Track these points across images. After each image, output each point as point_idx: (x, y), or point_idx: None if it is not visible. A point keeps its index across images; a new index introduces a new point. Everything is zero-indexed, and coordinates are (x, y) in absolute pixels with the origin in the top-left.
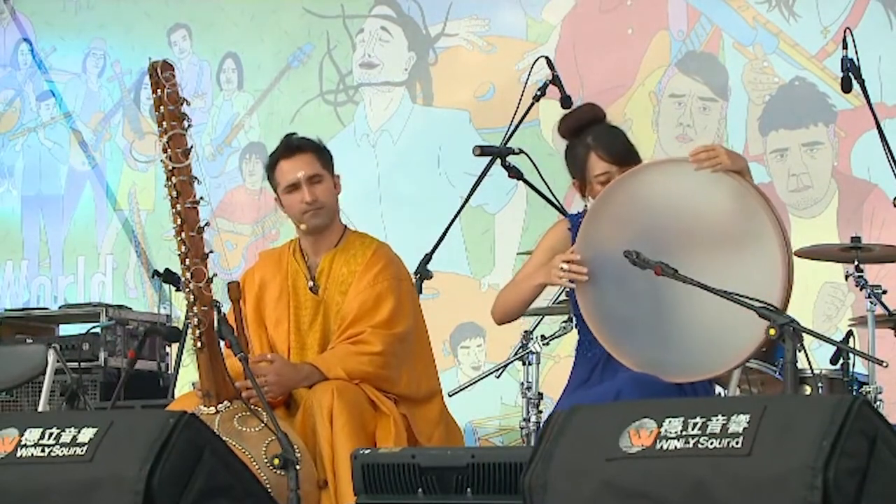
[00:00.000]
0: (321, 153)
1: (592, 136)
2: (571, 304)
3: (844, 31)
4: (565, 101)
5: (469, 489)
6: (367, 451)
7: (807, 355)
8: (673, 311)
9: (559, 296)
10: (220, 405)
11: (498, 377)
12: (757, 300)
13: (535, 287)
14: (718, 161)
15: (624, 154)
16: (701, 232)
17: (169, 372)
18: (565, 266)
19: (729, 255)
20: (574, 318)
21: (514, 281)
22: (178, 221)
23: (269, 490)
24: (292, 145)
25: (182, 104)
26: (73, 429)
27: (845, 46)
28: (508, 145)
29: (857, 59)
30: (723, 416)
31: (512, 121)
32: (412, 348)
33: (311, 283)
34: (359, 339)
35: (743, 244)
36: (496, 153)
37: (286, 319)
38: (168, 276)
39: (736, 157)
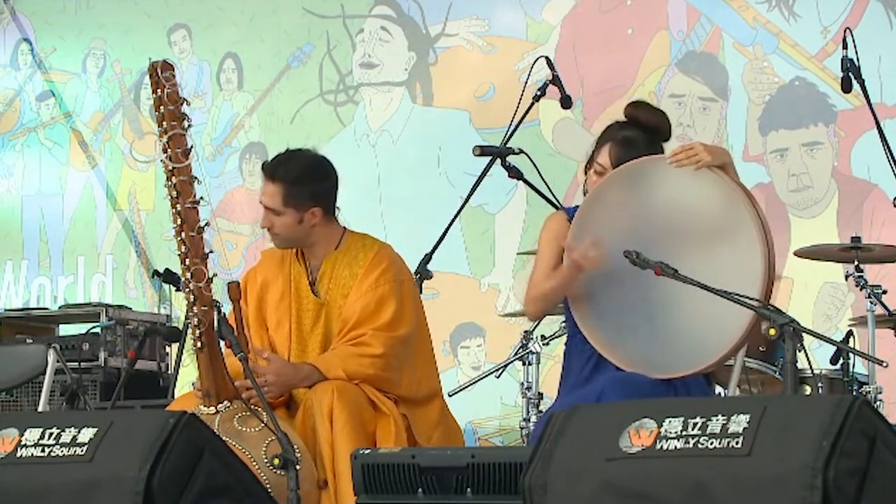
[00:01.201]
0: (295, 187)
1: (624, 138)
2: (564, 304)
3: (844, 31)
4: (565, 101)
5: (469, 489)
6: (367, 451)
7: (807, 355)
8: (659, 308)
9: None
10: (220, 405)
11: (498, 377)
12: (757, 300)
13: (568, 278)
14: (698, 159)
15: None
16: (684, 227)
17: (169, 372)
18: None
19: (711, 249)
20: (565, 315)
21: (536, 283)
22: (178, 221)
23: (269, 490)
24: (268, 170)
25: (182, 104)
26: (73, 429)
27: (845, 46)
28: (508, 145)
29: (857, 59)
30: (723, 416)
31: (512, 121)
32: (413, 350)
33: (312, 288)
34: (360, 341)
35: (724, 238)
36: (496, 153)
37: (287, 321)
38: (168, 276)
39: (717, 151)
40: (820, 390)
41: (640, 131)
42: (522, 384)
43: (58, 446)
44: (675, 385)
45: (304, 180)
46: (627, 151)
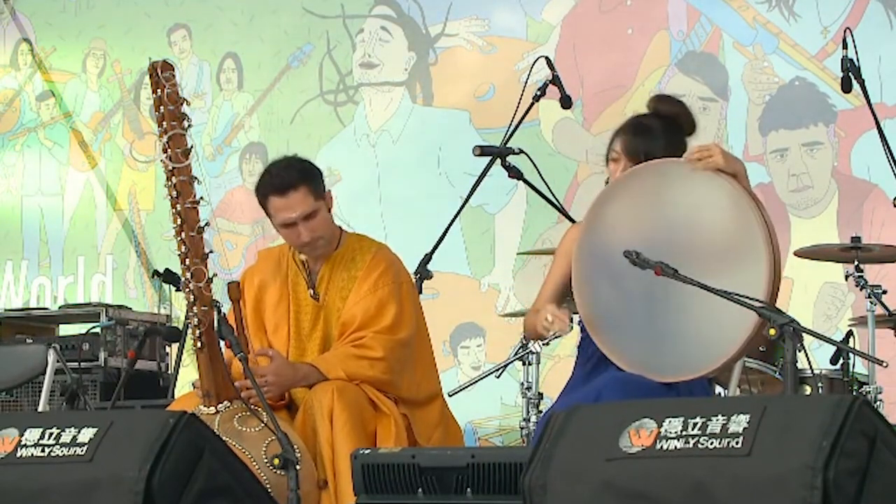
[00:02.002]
0: (312, 182)
1: (638, 123)
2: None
3: (844, 32)
4: (565, 101)
5: (469, 489)
6: (367, 451)
7: (807, 355)
8: (663, 310)
9: None
10: (220, 405)
11: (498, 377)
12: (756, 300)
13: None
14: (714, 161)
15: (633, 155)
16: (690, 232)
17: (169, 372)
18: (549, 318)
19: (716, 256)
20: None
21: (540, 302)
22: (178, 221)
23: (269, 490)
24: (283, 184)
25: (182, 104)
26: (73, 429)
27: (845, 46)
28: (508, 145)
29: (857, 59)
30: (723, 416)
31: (512, 121)
32: (413, 352)
33: (311, 291)
34: (361, 344)
35: (730, 246)
36: (496, 153)
37: (286, 324)
38: (168, 276)
39: (732, 159)
40: (820, 390)
41: (658, 120)
42: (522, 384)
43: (58, 446)
44: (676, 386)
45: (314, 171)
46: (638, 137)
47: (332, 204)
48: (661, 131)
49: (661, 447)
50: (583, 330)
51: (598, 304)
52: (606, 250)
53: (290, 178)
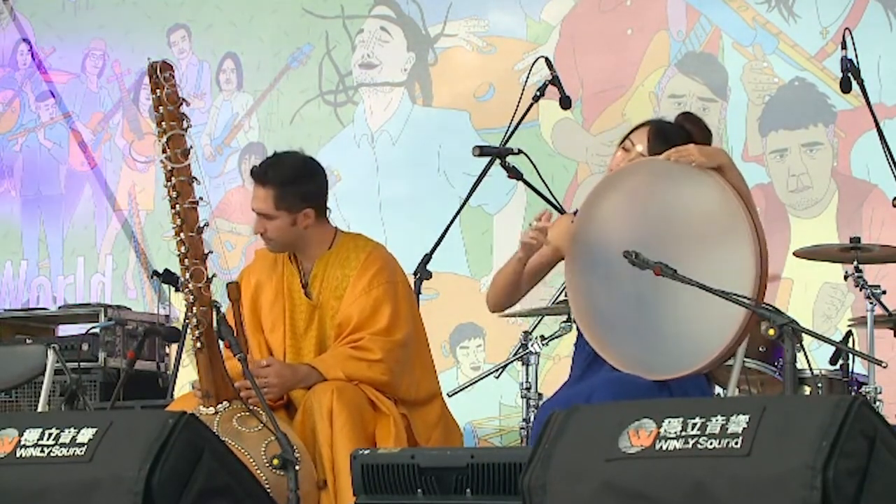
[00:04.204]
0: (286, 189)
1: (657, 130)
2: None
3: (844, 32)
4: (565, 101)
5: (468, 489)
6: (366, 452)
7: (806, 355)
8: (653, 308)
9: (559, 296)
10: (220, 405)
11: (497, 377)
12: (755, 300)
13: (517, 262)
14: (692, 160)
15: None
16: (679, 226)
17: (168, 372)
18: (534, 223)
19: (705, 251)
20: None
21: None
22: (178, 222)
23: (269, 490)
24: (258, 174)
25: (181, 104)
26: (72, 429)
27: (845, 47)
28: (508, 145)
29: (857, 60)
30: (722, 416)
31: (511, 121)
32: (411, 352)
33: (304, 290)
34: (359, 345)
35: (718, 241)
36: (496, 153)
37: (282, 324)
38: (167, 277)
39: (713, 154)
40: (819, 391)
41: (680, 132)
42: (522, 384)
43: (57, 446)
44: (669, 386)
45: (294, 182)
46: (660, 142)
47: (307, 222)
48: (678, 139)
49: (661, 447)
50: (578, 328)
51: (591, 303)
52: (598, 249)
53: (266, 174)
